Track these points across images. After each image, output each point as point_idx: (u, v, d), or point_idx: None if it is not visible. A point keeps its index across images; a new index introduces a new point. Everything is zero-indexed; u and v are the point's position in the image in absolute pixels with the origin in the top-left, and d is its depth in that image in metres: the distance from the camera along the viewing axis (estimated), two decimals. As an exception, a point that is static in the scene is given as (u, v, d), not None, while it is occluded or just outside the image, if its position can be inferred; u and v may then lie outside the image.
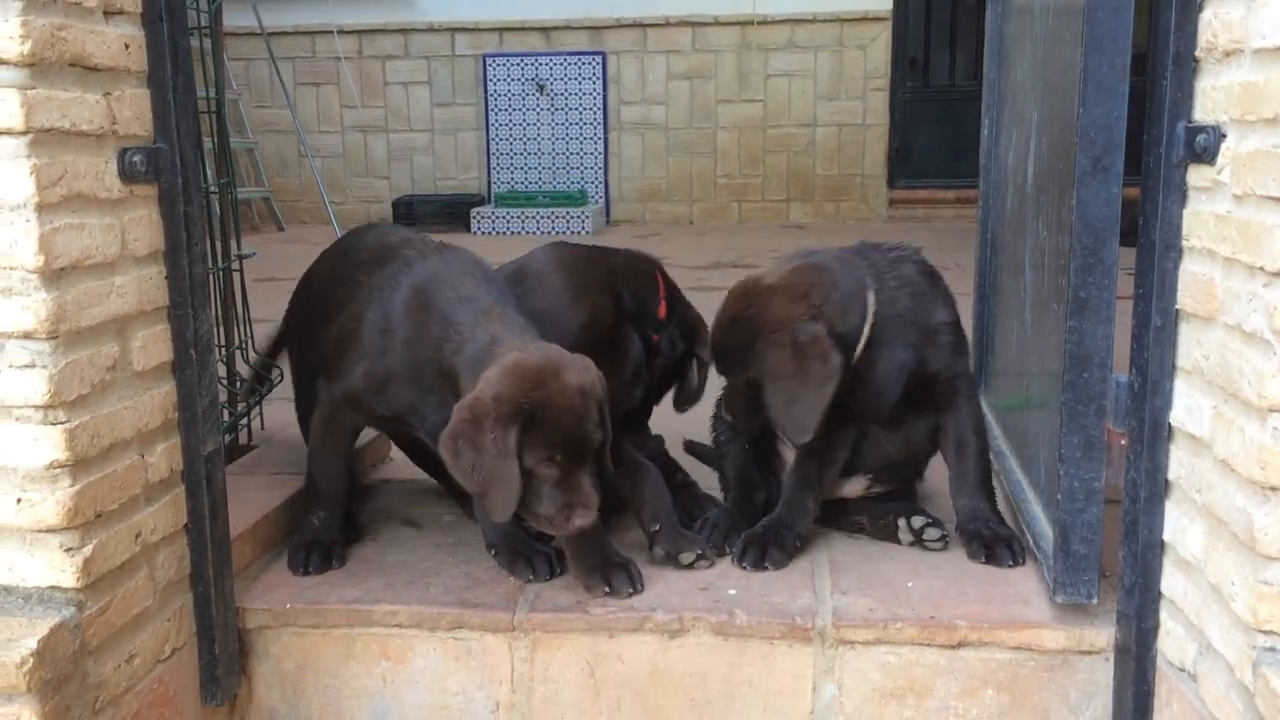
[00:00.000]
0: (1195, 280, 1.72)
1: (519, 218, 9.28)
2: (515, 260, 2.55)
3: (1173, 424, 1.80)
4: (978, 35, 3.11)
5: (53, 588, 1.68)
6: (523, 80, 10.16)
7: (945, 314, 2.33)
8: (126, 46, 1.75)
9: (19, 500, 1.65)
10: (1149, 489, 1.83)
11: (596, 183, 10.19)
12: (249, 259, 3.02)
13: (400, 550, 2.41)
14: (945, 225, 9.23)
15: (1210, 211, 1.67)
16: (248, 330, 3.01)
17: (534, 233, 9.16)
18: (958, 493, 2.36)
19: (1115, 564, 1.94)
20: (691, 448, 2.94)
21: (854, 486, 2.49)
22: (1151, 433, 1.82)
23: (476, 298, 2.17)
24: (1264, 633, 1.53)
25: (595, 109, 10.16)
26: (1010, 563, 2.24)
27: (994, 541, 2.27)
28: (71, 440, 1.65)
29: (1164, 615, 1.86)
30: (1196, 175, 1.72)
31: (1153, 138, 1.78)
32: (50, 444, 1.63)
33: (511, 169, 10.23)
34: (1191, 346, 1.74)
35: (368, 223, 2.61)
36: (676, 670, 2.09)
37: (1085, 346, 1.90)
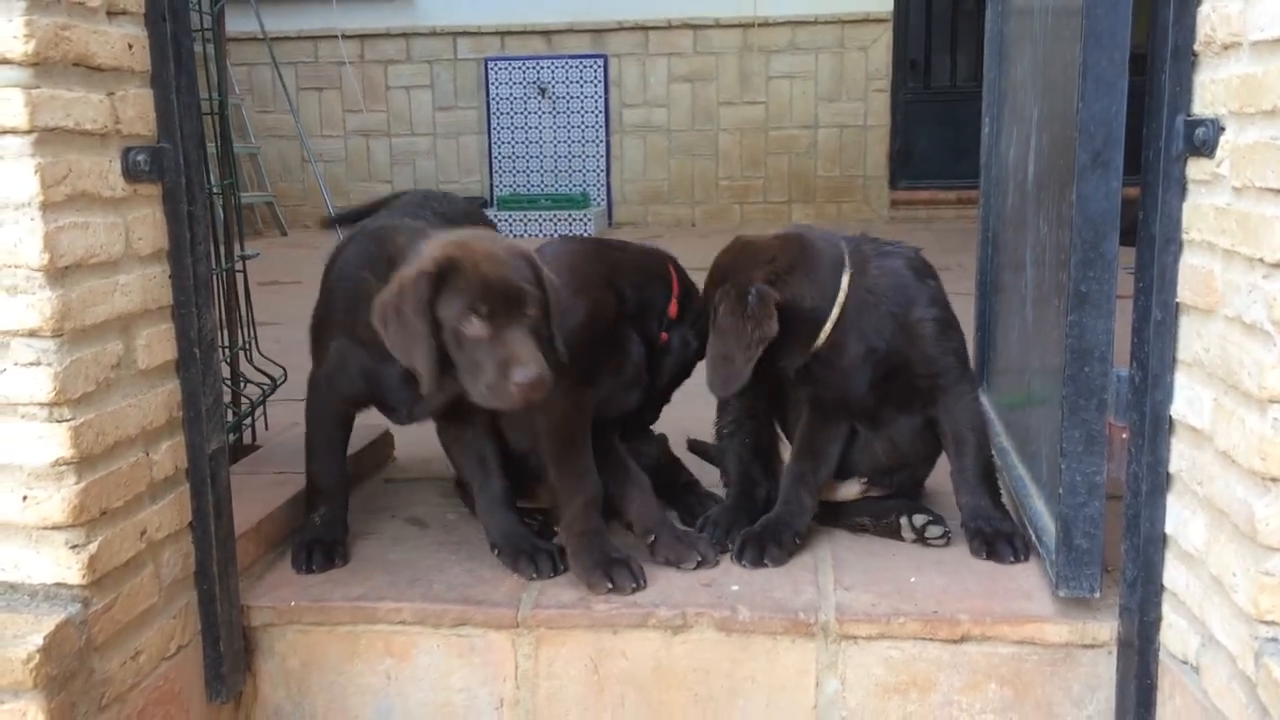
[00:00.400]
0: (1195, 273, 1.72)
1: (521, 221, 9.29)
2: None
3: (1174, 417, 1.80)
4: (978, 36, 3.11)
5: (58, 584, 1.69)
6: (524, 83, 10.18)
7: (927, 310, 2.31)
8: (130, 46, 1.76)
9: (25, 497, 1.66)
10: (1150, 482, 1.84)
11: (598, 185, 10.20)
12: (251, 260, 3.03)
13: (404, 548, 2.41)
14: (947, 226, 9.24)
15: (1210, 204, 1.67)
16: (251, 331, 3.02)
17: (537, 235, 9.17)
18: (959, 489, 2.37)
19: (1117, 558, 1.94)
20: (695, 446, 2.95)
21: (849, 490, 2.49)
22: (1152, 426, 1.83)
23: (422, 230, 2.19)
24: (1265, 623, 1.54)
25: (597, 112, 10.17)
26: (1011, 559, 2.24)
27: (995, 538, 2.27)
28: (77, 438, 1.65)
29: (1166, 608, 1.86)
30: (1196, 168, 1.72)
31: (1152, 131, 1.79)
32: (55, 441, 1.64)
33: (514, 172, 10.24)
34: (1192, 339, 1.74)
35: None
36: (680, 666, 2.10)
37: (1086, 341, 1.91)
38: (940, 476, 2.56)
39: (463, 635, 2.13)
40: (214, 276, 2.22)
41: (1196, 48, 1.71)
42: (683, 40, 10.06)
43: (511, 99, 10.23)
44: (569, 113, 10.20)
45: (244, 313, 2.99)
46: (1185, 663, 1.80)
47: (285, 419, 3.15)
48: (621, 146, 10.26)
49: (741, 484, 2.50)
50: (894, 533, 2.37)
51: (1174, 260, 1.78)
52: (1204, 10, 1.68)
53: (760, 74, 10.01)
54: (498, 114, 10.26)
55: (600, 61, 10.10)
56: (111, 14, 1.72)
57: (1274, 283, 1.49)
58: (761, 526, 2.31)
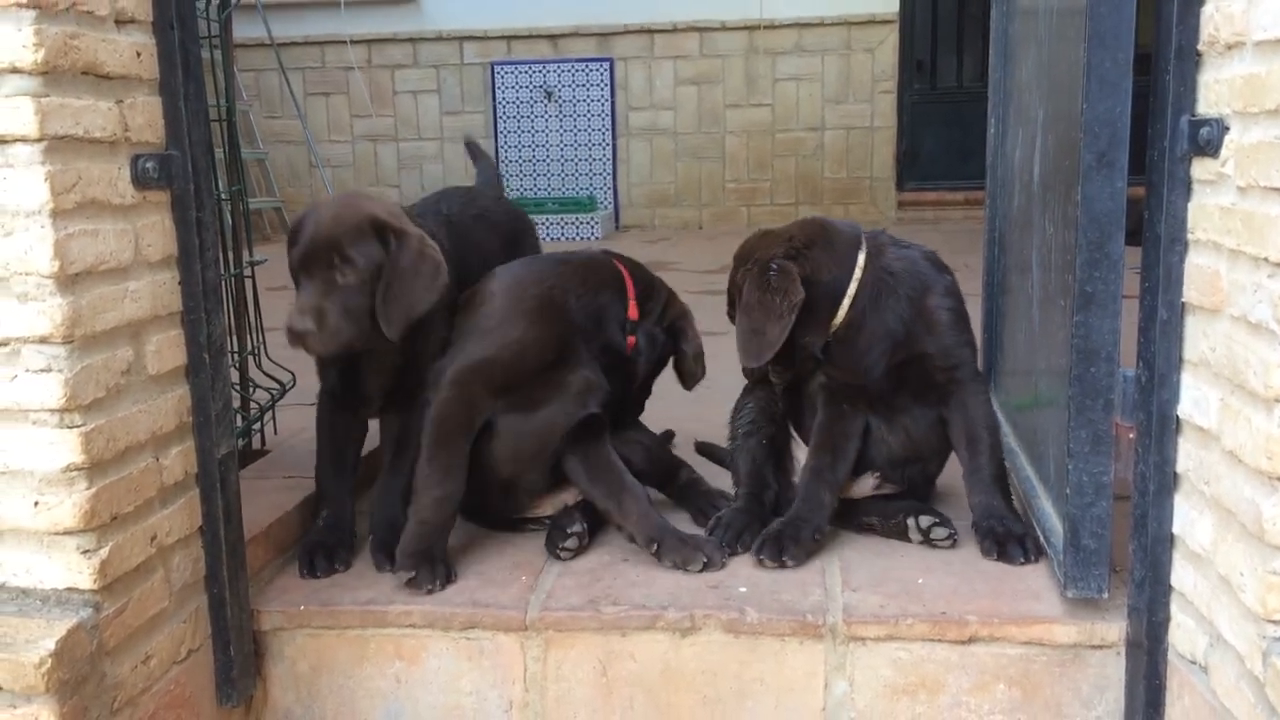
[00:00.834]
0: (1201, 273, 1.72)
1: (529, 224, 9.29)
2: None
3: (1180, 417, 1.80)
4: (984, 37, 3.12)
5: (70, 589, 1.70)
6: (531, 88, 10.20)
7: (944, 299, 2.35)
8: (138, 54, 1.78)
9: (36, 503, 1.67)
10: (1157, 482, 1.84)
11: (605, 189, 10.21)
12: (260, 265, 3.05)
13: (413, 552, 2.42)
14: (954, 227, 9.23)
15: (1215, 204, 1.67)
16: (260, 336, 3.03)
17: (544, 239, 9.13)
18: (971, 489, 2.37)
19: (1125, 558, 1.94)
20: (702, 448, 2.95)
21: (862, 486, 2.50)
22: (1159, 426, 1.83)
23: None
24: (1273, 623, 1.54)
25: (603, 115, 10.19)
26: (1021, 560, 2.24)
27: (1006, 538, 2.27)
28: (87, 443, 1.67)
29: (1174, 608, 1.86)
30: (1201, 168, 1.72)
31: (1157, 132, 1.79)
32: (66, 447, 1.65)
33: (521, 176, 10.26)
34: (1198, 339, 1.74)
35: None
36: (688, 668, 2.10)
37: (1092, 341, 1.91)
38: (952, 476, 2.57)
39: (472, 638, 2.14)
40: (223, 282, 2.23)
41: (1200, 47, 1.71)
42: (688, 43, 10.07)
43: (518, 103, 10.25)
44: (575, 116, 10.22)
45: (253, 318, 3.00)
46: (1194, 663, 1.80)
47: (294, 424, 3.16)
48: (628, 149, 10.27)
49: (751, 486, 2.50)
50: (901, 534, 2.37)
51: (1179, 260, 1.78)
52: (1207, 10, 1.68)
53: (766, 76, 10.01)
54: (504, 118, 10.29)
55: (606, 65, 10.12)
56: (120, 22, 1.74)
57: (1279, 282, 1.49)
58: (780, 525, 2.32)
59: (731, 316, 2.44)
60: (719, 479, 2.72)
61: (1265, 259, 1.51)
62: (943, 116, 10.12)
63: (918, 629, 2.05)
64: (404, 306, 2.22)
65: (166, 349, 1.87)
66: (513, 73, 10.20)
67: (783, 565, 2.25)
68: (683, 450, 2.93)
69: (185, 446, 1.93)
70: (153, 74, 1.82)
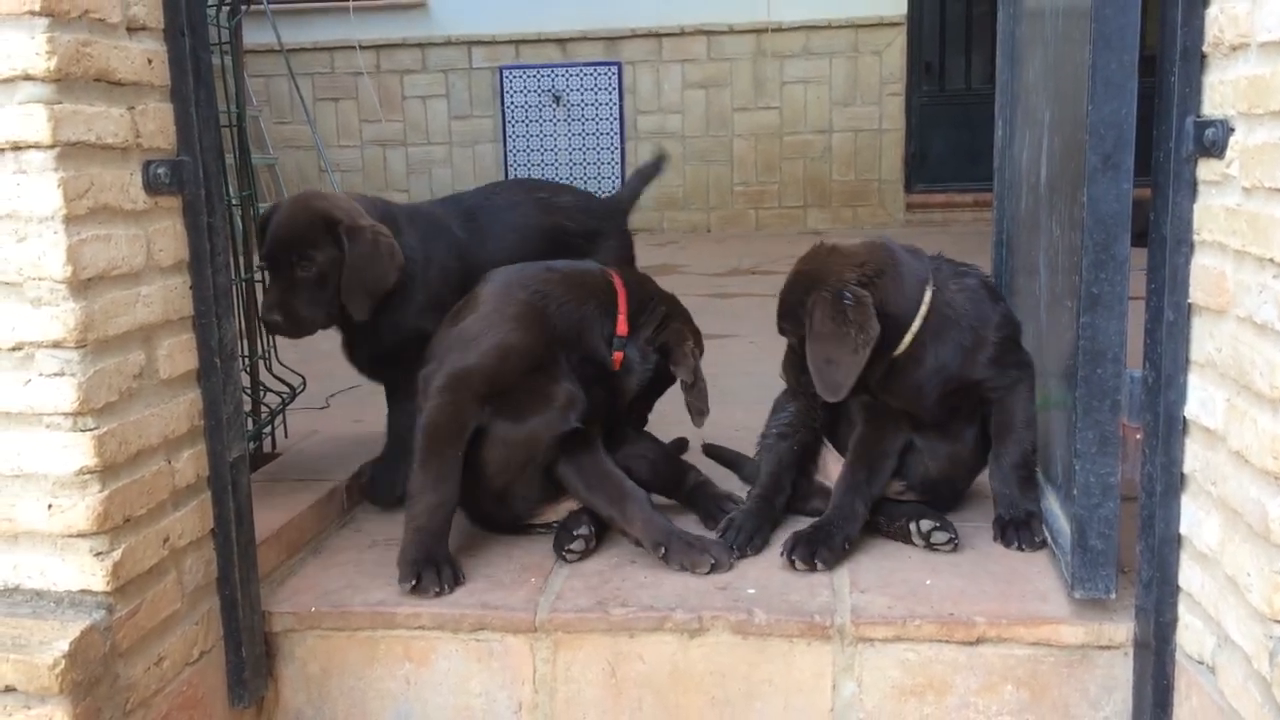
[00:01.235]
0: (1207, 274, 1.73)
1: (537, 228, 9.31)
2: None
3: (1187, 417, 1.81)
4: (992, 38, 3.12)
5: (83, 591, 1.72)
6: (539, 92, 10.22)
7: (999, 331, 2.35)
8: (150, 61, 1.79)
9: (50, 506, 1.69)
10: (1164, 483, 1.84)
11: (613, 192, 10.21)
12: (270, 270, 3.07)
13: (422, 554, 2.43)
14: (963, 229, 9.22)
15: (1220, 205, 1.68)
16: (270, 340, 3.05)
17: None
18: (992, 476, 2.40)
19: (1133, 558, 1.95)
20: (709, 450, 2.96)
21: (890, 487, 2.50)
22: (1166, 427, 1.83)
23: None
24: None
25: (612, 119, 10.20)
26: (1015, 545, 2.28)
27: (1008, 525, 2.32)
28: (100, 447, 1.68)
29: (1182, 608, 1.87)
30: (1206, 169, 1.73)
31: (1162, 133, 1.79)
32: (80, 451, 1.67)
33: (529, 181, 10.27)
34: (1204, 340, 1.75)
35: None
36: (697, 669, 2.11)
37: (1099, 342, 1.91)
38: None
39: (481, 640, 2.15)
40: (233, 286, 2.25)
41: (1205, 49, 1.71)
42: (696, 46, 10.08)
43: (526, 107, 10.27)
44: (584, 120, 10.23)
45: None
46: (1201, 663, 1.80)
47: (304, 427, 3.19)
48: (636, 153, 10.27)
49: (767, 488, 2.50)
50: (904, 537, 2.38)
51: (1185, 261, 1.78)
52: (1212, 12, 1.68)
53: (774, 79, 10.02)
54: (513, 122, 10.31)
55: (614, 69, 10.13)
56: (132, 30, 1.75)
57: (1284, 283, 1.49)
58: (813, 528, 2.32)
59: (782, 329, 2.38)
60: (728, 481, 2.73)
61: (1271, 260, 1.52)
62: (951, 118, 10.12)
63: (925, 630, 2.05)
64: (364, 291, 2.52)
65: (178, 353, 1.89)
66: (521, 77, 10.23)
67: (813, 568, 2.25)
68: (691, 452, 2.94)
69: (197, 450, 1.95)
70: (164, 80, 1.83)
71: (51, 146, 1.59)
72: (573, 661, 2.13)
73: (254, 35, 9.01)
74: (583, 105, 10.21)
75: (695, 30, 10.02)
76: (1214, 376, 1.71)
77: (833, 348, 2.22)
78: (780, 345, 2.47)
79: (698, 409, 2.52)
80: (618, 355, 2.45)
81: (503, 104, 10.29)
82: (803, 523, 2.40)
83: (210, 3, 2.67)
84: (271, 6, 9.20)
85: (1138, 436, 1.90)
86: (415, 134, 10.46)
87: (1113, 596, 1.98)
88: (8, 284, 1.63)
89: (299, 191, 2.80)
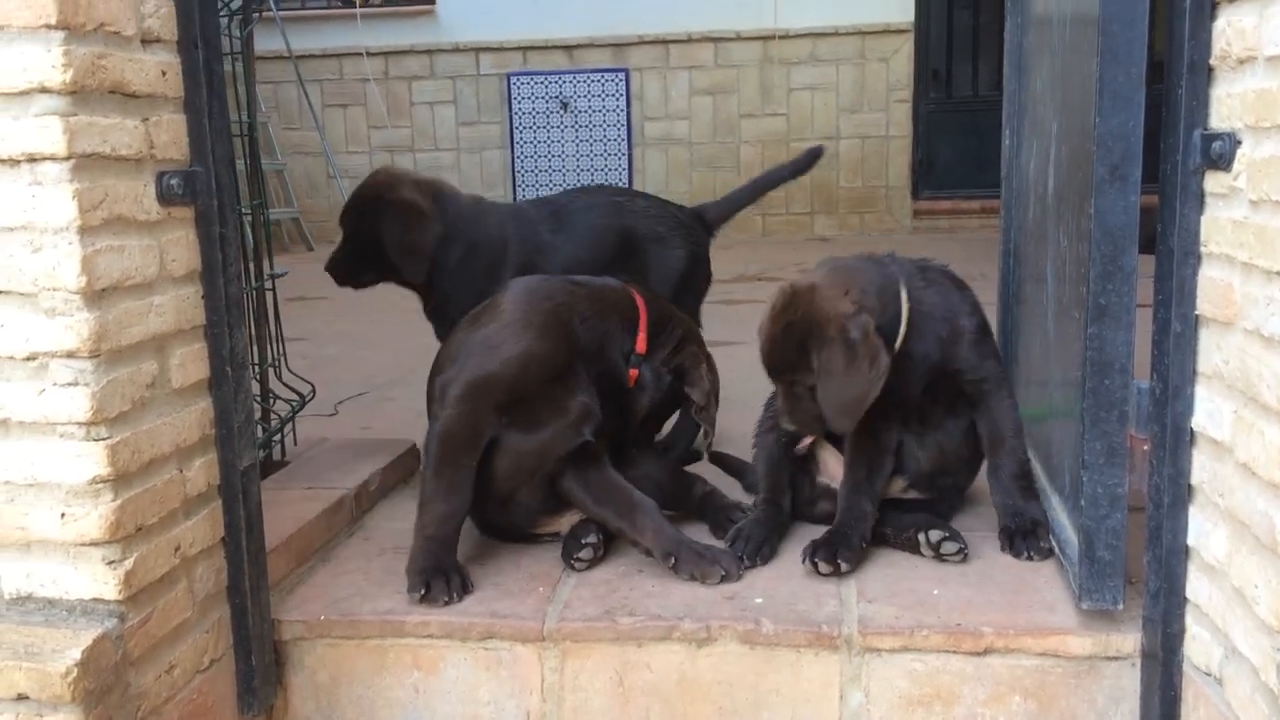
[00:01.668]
0: (1214, 285, 1.73)
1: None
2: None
3: (1194, 429, 1.81)
4: (999, 46, 3.13)
5: (95, 600, 1.73)
6: (547, 98, 10.25)
7: (970, 318, 2.42)
8: (164, 73, 1.81)
9: (63, 515, 1.70)
10: (1172, 494, 1.84)
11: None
12: (280, 278, 3.08)
13: (431, 562, 2.44)
14: (971, 236, 9.22)
15: (1227, 217, 1.68)
16: (280, 348, 3.06)
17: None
18: (992, 489, 2.43)
19: (1140, 569, 1.95)
20: (716, 458, 2.96)
21: (893, 487, 2.52)
22: (1173, 438, 1.83)
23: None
24: (1288, 635, 1.54)
25: (619, 125, 10.23)
26: (1025, 555, 2.29)
27: (1015, 534, 2.34)
28: (113, 456, 1.70)
29: (1189, 620, 1.87)
30: (1213, 181, 1.73)
31: (1169, 145, 1.80)
32: (93, 460, 1.68)
33: (537, 186, 10.31)
34: (1211, 351, 1.75)
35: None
36: (704, 679, 2.11)
37: (1106, 353, 1.92)
38: (978, 483, 2.58)
39: (490, 648, 2.16)
40: (244, 295, 2.27)
41: (1212, 62, 1.72)
42: (703, 53, 10.11)
43: (534, 113, 10.30)
44: (591, 126, 10.26)
45: (273, 330, 3.03)
46: (1209, 675, 1.80)
47: (314, 435, 3.20)
48: (643, 159, 10.31)
49: (769, 489, 2.52)
50: (913, 548, 2.38)
51: (1193, 273, 1.79)
52: (1219, 25, 1.69)
53: (781, 86, 10.04)
54: (520, 128, 10.34)
55: (621, 75, 10.16)
56: (146, 42, 1.77)
57: (1292, 296, 1.50)
58: (828, 533, 2.34)
59: (777, 378, 2.36)
60: (736, 489, 2.73)
61: (1277, 272, 1.52)
62: (958, 125, 10.13)
63: (933, 640, 2.06)
64: (406, 251, 2.94)
65: (190, 362, 1.90)
66: (529, 83, 10.26)
67: (838, 569, 2.25)
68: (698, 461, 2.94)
69: (208, 458, 1.96)
70: (177, 92, 1.85)
71: (67, 158, 1.61)
72: (581, 670, 2.14)
73: (263, 42, 9.06)
74: (590, 112, 10.24)
75: (702, 37, 10.05)
76: (1221, 388, 1.72)
77: (849, 384, 2.23)
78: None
79: (705, 432, 2.57)
80: (633, 372, 2.47)
81: (510, 110, 10.33)
82: (813, 531, 2.41)
83: (222, 13, 2.69)
84: (281, 14, 9.24)
85: (1145, 448, 1.91)
86: (423, 140, 10.50)
87: (1120, 607, 1.98)
88: (23, 294, 1.64)
89: (380, 169, 3.21)
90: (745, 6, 9.90)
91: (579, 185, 3.35)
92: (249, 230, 3.00)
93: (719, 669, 2.11)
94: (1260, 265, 1.57)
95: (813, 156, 3.54)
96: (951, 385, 2.41)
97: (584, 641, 2.13)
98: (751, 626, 2.10)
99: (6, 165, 1.61)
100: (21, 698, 1.64)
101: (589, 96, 10.22)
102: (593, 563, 2.37)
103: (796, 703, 2.10)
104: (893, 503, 2.50)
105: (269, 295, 3.01)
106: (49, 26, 1.57)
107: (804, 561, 2.28)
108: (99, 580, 1.72)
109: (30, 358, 1.66)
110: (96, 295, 1.66)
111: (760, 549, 2.36)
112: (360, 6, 10.25)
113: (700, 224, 3.29)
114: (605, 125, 10.25)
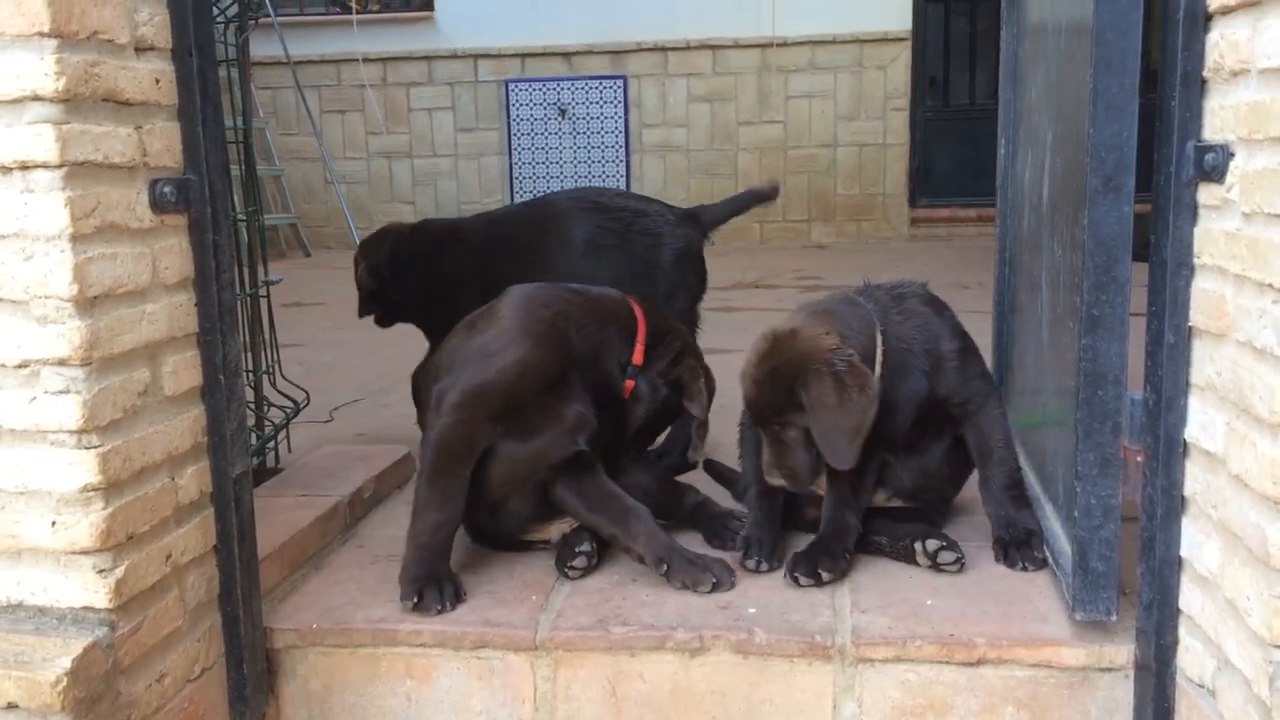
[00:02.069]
0: (1207, 297, 1.73)
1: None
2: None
3: (1188, 440, 1.81)
4: (997, 54, 3.14)
5: (86, 608, 1.73)
6: (545, 105, 10.27)
7: (951, 343, 2.41)
8: (157, 81, 1.81)
9: (53, 523, 1.69)
10: (1165, 505, 1.84)
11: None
12: (275, 285, 3.08)
13: (424, 571, 2.43)
14: (967, 243, 9.25)
15: (1220, 229, 1.68)
16: (274, 355, 3.06)
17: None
18: (984, 501, 2.43)
19: (1133, 581, 1.95)
20: (709, 467, 2.96)
21: (877, 498, 2.52)
22: (1167, 449, 1.83)
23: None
24: (1279, 647, 1.54)
25: (617, 132, 10.24)
26: (1020, 566, 2.29)
27: (1009, 545, 2.34)
28: (104, 464, 1.69)
29: (1182, 631, 1.87)
30: (1206, 193, 1.73)
31: (1163, 157, 1.80)
32: (84, 468, 1.68)
33: (535, 192, 10.31)
34: (1204, 363, 1.75)
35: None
36: (697, 689, 2.11)
37: (1099, 364, 1.92)
38: (969, 490, 2.58)
39: (482, 657, 2.15)
40: (238, 302, 2.27)
41: (1206, 74, 1.72)
42: (701, 60, 10.13)
43: (532, 120, 10.32)
44: (589, 133, 10.28)
45: (268, 337, 3.03)
46: (1202, 686, 1.80)
47: (308, 442, 3.19)
48: (641, 166, 10.32)
49: (761, 487, 2.50)
50: (908, 558, 2.38)
51: (1186, 284, 1.79)
52: (1212, 37, 1.69)
53: (779, 93, 10.06)
54: (518, 135, 10.36)
55: (620, 82, 10.18)
56: (140, 50, 1.77)
57: (1284, 308, 1.50)
58: (809, 546, 2.34)
59: (765, 425, 2.33)
60: (727, 499, 2.73)
61: (1270, 285, 1.52)
62: (955, 133, 10.15)
63: (926, 650, 2.05)
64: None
65: (183, 370, 1.90)
66: (527, 90, 10.28)
67: (819, 581, 2.25)
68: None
69: (200, 466, 1.96)
70: (171, 100, 1.85)
71: (59, 166, 1.60)
72: (573, 680, 2.14)
73: (261, 48, 9.08)
74: (588, 118, 10.25)
75: (700, 44, 10.07)
76: (1214, 400, 1.72)
77: (844, 415, 2.22)
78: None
79: (696, 446, 2.57)
80: (629, 383, 2.46)
81: (508, 117, 10.34)
82: (803, 539, 2.41)
83: (218, 20, 2.69)
84: (279, 19, 9.25)
85: (1138, 459, 1.90)
86: (421, 146, 10.51)
87: (1114, 618, 1.98)
88: (14, 302, 1.64)
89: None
90: (744, 14, 9.93)
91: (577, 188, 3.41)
92: (244, 237, 3.00)
93: (712, 679, 2.10)
94: (1253, 278, 1.57)
95: (773, 188, 3.71)
96: (940, 412, 2.41)
97: (577, 651, 2.13)
98: (745, 636, 2.09)
99: (-1, 173, 1.61)
100: (11, 706, 1.64)
101: (587, 103, 10.23)
102: (586, 571, 2.37)
103: (789, 713, 2.10)
104: (886, 512, 2.50)
105: (264, 302, 3.00)
106: (42, 34, 1.57)
107: (785, 576, 2.29)
108: (89, 588, 1.72)
109: (21, 365, 1.66)
110: (88, 303, 1.66)
111: (774, 552, 2.37)
112: (358, 12, 10.26)
113: (693, 226, 3.32)
114: (603, 132, 10.27)
